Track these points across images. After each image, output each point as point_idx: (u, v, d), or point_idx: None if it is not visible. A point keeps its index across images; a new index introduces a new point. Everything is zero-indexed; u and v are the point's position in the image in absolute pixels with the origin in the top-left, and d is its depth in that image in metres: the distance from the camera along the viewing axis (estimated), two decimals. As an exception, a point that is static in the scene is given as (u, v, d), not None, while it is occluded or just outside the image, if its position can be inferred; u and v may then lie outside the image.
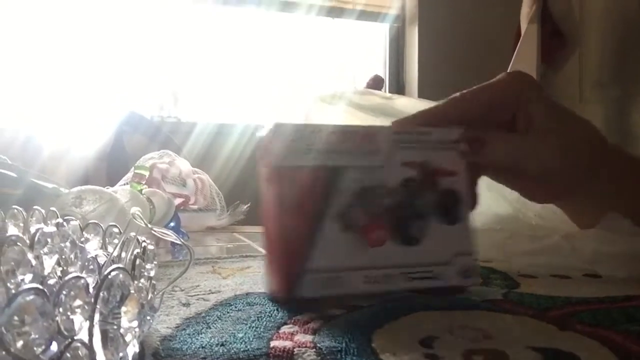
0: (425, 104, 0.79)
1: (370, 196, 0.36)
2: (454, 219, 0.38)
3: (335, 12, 2.30)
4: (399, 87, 2.37)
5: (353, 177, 0.36)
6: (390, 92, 2.24)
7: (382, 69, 2.42)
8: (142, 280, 0.27)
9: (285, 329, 0.31)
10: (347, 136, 0.37)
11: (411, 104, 0.84)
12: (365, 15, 2.34)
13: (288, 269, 0.35)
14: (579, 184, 0.43)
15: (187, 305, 0.37)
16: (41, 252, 0.26)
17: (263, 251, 0.37)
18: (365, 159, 0.37)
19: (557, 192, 0.45)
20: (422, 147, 0.38)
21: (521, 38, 1.22)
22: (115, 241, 0.34)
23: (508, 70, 0.93)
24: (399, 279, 0.36)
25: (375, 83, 1.88)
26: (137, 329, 0.23)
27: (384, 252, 0.36)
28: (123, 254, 0.29)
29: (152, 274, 0.29)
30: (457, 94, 0.43)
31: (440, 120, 0.41)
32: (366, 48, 2.46)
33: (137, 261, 0.27)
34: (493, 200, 0.54)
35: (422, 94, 2.17)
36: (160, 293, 0.31)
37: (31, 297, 0.18)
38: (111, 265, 0.23)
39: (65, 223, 0.34)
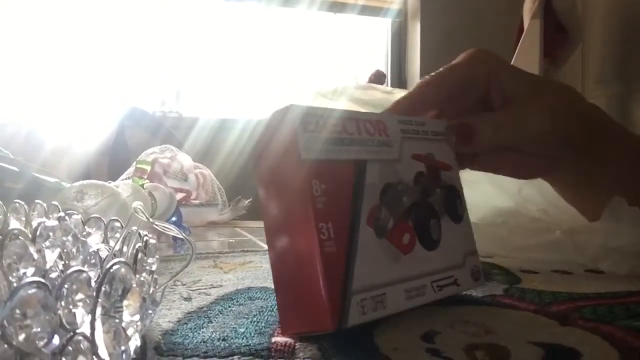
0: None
1: (392, 194, 0.31)
2: (458, 216, 0.35)
3: (336, 7, 2.29)
4: (401, 82, 2.37)
5: (376, 172, 0.30)
6: (392, 87, 2.23)
7: (384, 64, 2.42)
8: (144, 274, 0.27)
9: (286, 323, 0.31)
10: (363, 125, 0.31)
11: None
12: (367, 10, 2.34)
13: (333, 294, 0.26)
14: (571, 151, 0.42)
15: (188, 299, 0.37)
16: (43, 245, 0.26)
17: (276, 280, 0.30)
18: (383, 151, 0.31)
19: (546, 164, 0.43)
20: (422, 139, 0.34)
21: (524, 33, 1.21)
22: (117, 235, 0.34)
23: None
24: (430, 289, 0.31)
25: (377, 78, 1.87)
26: (138, 323, 0.23)
27: (416, 259, 0.31)
28: (125, 248, 0.29)
29: (153, 268, 0.29)
30: (422, 79, 0.41)
31: (416, 107, 0.40)
32: (368, 43, 2.46)
33: (139, 255, 0.27)
34: (494, 194, 0.54)
35: (424, 90, 2.16)
36: (162, 287, 0.31)
37: (33, 290, 0.18)
38: (113, 259, 0.23)
39: (67, 217, 0.34)
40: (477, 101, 0.42)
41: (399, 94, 0.89)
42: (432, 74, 0.42)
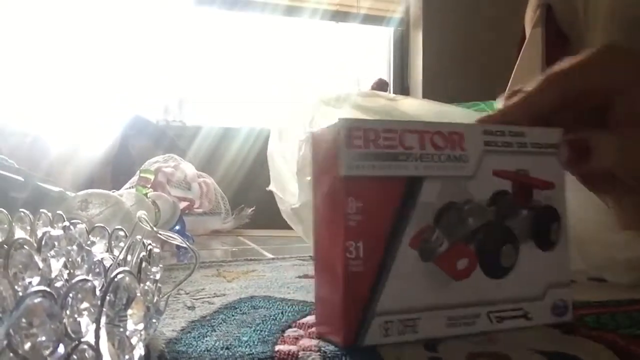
0: (431, 105, 0.79)
1: (455, 215, 0.28)
2: (550, 243, 0.31)
3: (339, 16, 2.30)
4: (403, 91, 2.37)
5: (434, 191, 0.28)
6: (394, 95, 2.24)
7: (386, 72, 2.43)
8: (148, 283, 0.27)
9: (289, 332, 0.31)
10: (430, 138, 0.28)
11: (416, 105, 0.84)
12: (369, 19, 2.35)
13: (350, 312, 0.27)
14: None
15: (192, 308, 0.37)
16: (48, 255, 0.27)
17: (315, 283, 0.30)
18: (451, 167, 0.29)
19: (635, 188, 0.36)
20: (515, 152, 0.30)
21: (526, 42, 1.21)
22: (121, 244, 0.34)
23: (512, 74, 0.92)
24: (484, 319, 0.29)
25: (380, 87, 1.88)
26: (142, 332, 0.23)
27: (471, 287, 0.29)
28: (129, 257, 0.29)
29: (157, 277, 0.29)
30: (551, 72, 0.34)
31: (535, 111, 0.34)
32: (370, 52, 2.46)
33: (143, 264, 0.27)
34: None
35: (426, 97, 2.17)
36: (166, 296, 0.31)
37: (39, 299, 0.18)
38: (117, 268, 0.23)
39: (71, 226, 0.34)
40: (591, 110, 0.35)
41: (403, 101, 0.89)
42: (559, 67, 0.34)
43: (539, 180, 0.31)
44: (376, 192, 0.27)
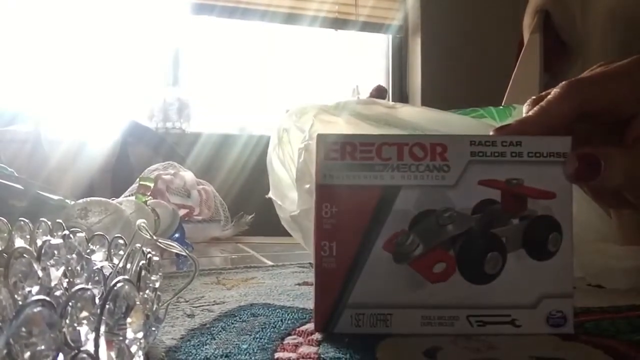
0: (429, 112, 0.79)
1: (431, 222, 0.30)
2: (548, 253, 0.31)
3: (338, 23, 2.31)
4: (402, 97, 2.38)
5: (411, 199, 0.30)
6: (393, 102, 2.24)
7: (385, 79, 2.43)
8: (148, 291, 0.27)
9: (289, 340, 0.31)
10: (409, 149, 0.30)
11: (415, 113, 0.84)
12: (368, 26, 2.36)
13: (321, 302, 0.30)
14: None
15: (191, 316, 0.37)
16: (48, 263, 0.27)
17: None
18: (430, 177, 0.30)
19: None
20: (509, 162, 0.31)
21: (524, 48, 1.22)
22: (121, 253, 0.34)
23: (511, 80, 0.92)
24: (465, 321, 0.30)
25: (379, 93, 1.88)
26: (142, 340, 0.23)
27: (449, 290, 0.30)
28: (128, 266, 0.29)
29: (157, 285, 0.29)
30: (574, 79, 0.34)
31: (554, 120, 0.33)
32: (369, 59, 2.47)
33: (143, 272, 0.27)
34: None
35: (425, 104, 2.17)
36: (165, 304, 0.31)
37: (38, 308, 0.18)
38: (117, 276, 0.23)
39: (71, 235, 0.34)
40: (611, 125, 0.34)
41: (402, 108, 0.90)
42: (583, 75, 0.34)
43: (533, 189, 0.31)
44: (352, 199, 0.30)
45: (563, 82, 0.34)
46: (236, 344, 0.30)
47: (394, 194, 0.30)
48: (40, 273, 0.25)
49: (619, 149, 0.32)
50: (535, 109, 0.34)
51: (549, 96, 0.33)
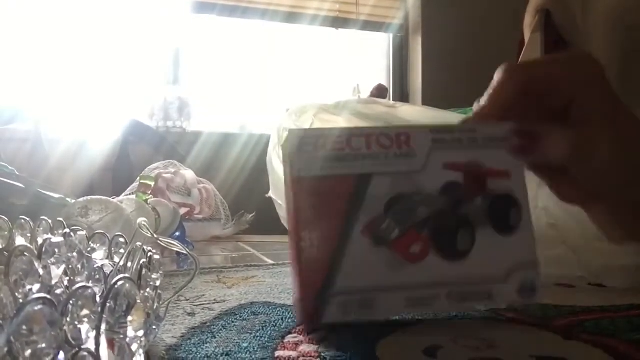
0: (430, 111, 0.79)
1: (404, 205, 0.31)
2: (510, 227, 0.33)
3: (339, 22, 2.31)
4: (403, 96, 2.38)
5: (383, 185, 0.31)
6: (394, 101, 2.24)
7: (385, 79, 2.43)
8: (148, 289, 0.27)
9: (289, 338, 0.31)
10: (376, 139, 0.32)
11: (415, 112, 0.84)
12: (369, 25, 2.36)
13: (307, 293, 0.30)
14: (625, 189, 0.38)
15: (192, 314, 0.37)
16: (49, 262, 0.27)
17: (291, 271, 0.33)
18: (398, 163, 0.32)
19: (598, 194, 0.39)
20: (467, 147, 0.33)
21: (525, 47, 1.22)
22: (122, 251, 0.34)
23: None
24: (446, 299, 0.31)
25: (379, 92, 1.88)
26: (143, 339, 0.23)
27: (427, 269, 0.31)
28: (129, 264, 0.29)
29: (157, 283, 0.29)
30: (512, 64, 0.36)
31: (501, 104, 0.35)
32: (370, 58, 2.47)
33: (143, 271, 0.27)
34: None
35: (426, 103, 2.17)
36: (166, 303, 0.32)
37: (39, 307, 0.18)
38: (117, 275, 0.23)
39: (72, 233, 0.34)
40: (556, 110, 0.37)
41: (402, 107, 0.90)
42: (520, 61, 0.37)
43: (490, 170, 0.33)
44: (328, 189, 0.31)
45: (503, 65, 0.36)
46: (237, 343, 0.30)
47: (367, 182, 0.31)
48: (41, 271, 0.25)
49: (553, 127, 0.35)
50: (484, 97, 0.36)
51: (493, 81, 0.36)
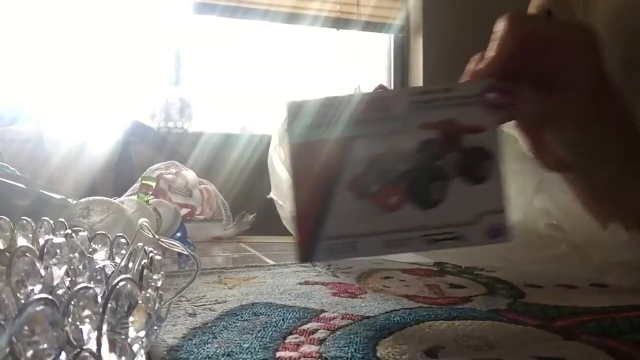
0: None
1: (383, 163, 0.35)
2: (481, 177, 0.36)
3: (340, 23, 2.31)
4: (404, 97, 2.38)
5: (364, 146, 0.35)
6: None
7: (386, 79, 2.43)
8: (150, 290, 0.27)
9: (291, 339, 0.31)
10: (359, 105, 0.36)
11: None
12: (370, 26, 2.36)
13: (302, 237, 0.35)
14: (603, 159, 0.40)
15: (193, 315, 0.37)
16: (50, 262, 0.27)
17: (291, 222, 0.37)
18: (378, 126, 0.35)
19: (571, 164, 0.41)
20: (443, 106, 0.36)
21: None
22: (123, 252, 0.34)
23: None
24: (420, 241, 0.35)
25: (380, 93, 1.88)
26: (144, 339, 0.23)
27: (403, 216, 0.35)
28: (130, 265, 0.30)
29: (159, 284, 0.29)
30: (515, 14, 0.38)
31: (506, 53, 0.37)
32: (371, 58, 2.47)
33: (145, 272, 0.27)
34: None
35: (427, 104, 2.17)
36: (167, 303, 0.32)
37: (41, 307, 0.18)
38: (119, 275, 0.23)
39: (73, 234, 0.34)
40: (546, 75, 0.38)
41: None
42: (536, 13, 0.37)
43: (464, 126, 0.36)
44: (315, 152, 0.35)
45: (506, 15, 0.38)
46: (238, 343, 0.30)
47: (350, 144, 0.35)
48: (42, 272, 0.25)
49: (532, 86, 0.37)
50: (490, 48, 0.38)
51: (497, 31, 0.38)
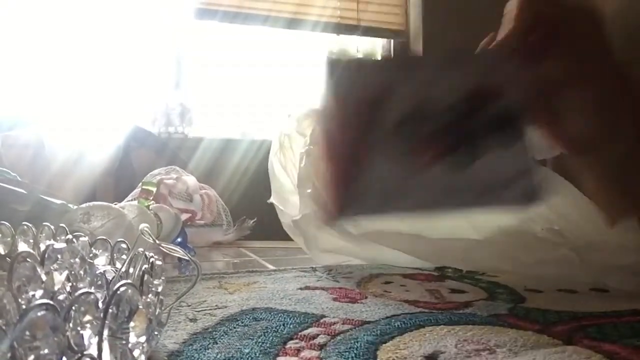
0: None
1: (418, 119, 0.35)
2: (511, 140, 0.36)
3: (340, 28, 2.32)
4: (404, 102, 2.38)
5: (398, 104, 0.35)
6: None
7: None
8: (150, 295, 0.27)
9: (291, 344, 0.31)
10: (395, 64, 0.37)
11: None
12: (370, 31, 2.36)
13: (334, 194, 0.35)
14: (618, 131, 0.40)
15: (194, 320, 0.37)
16: (51, 268, 0.27)
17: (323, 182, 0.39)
18: (414, 82, 0.36)
19: (574, 144, 0.41)
20: (474, 67, 0.37)
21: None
22: (124, 257, 0.35)
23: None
24: (452, 203, 0.35)
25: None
26: (145, 344, 0.23)
27: (435, 176, 0.35)
28: (131, 270, 0.30)
29: (159, 289, 0.29)
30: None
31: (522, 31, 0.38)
32: (371, 63, 2.47)
33: (145, 277, 0.27)
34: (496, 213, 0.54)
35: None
36: (168, 308, 0.32)
37: (42, 312, 0.18)
38: (120, 281, 0.24)
39: (74, 239, 0.34)
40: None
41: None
42: None
43: (494, 88, 0.36)
44: (352, 108, 0.35)
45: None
46: (238, 348, 0.30)
47: (385, 101, 0.35)
48: (43, 277, 0.25)
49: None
50: (503, 28, 0.39)
51: (509, 15, 0.39)
